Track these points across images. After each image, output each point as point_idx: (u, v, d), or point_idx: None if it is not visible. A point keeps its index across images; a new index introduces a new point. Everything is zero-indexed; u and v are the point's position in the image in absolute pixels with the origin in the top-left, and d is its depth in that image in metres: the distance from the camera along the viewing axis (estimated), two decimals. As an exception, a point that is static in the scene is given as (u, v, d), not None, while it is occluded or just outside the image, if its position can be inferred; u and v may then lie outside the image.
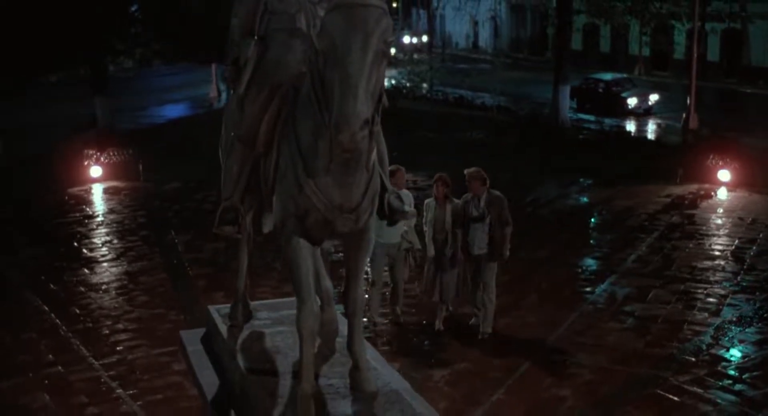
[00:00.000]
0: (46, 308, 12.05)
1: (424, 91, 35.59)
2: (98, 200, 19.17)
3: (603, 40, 49.00)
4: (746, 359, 10.23)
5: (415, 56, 44.87)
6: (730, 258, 14.03)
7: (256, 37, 5.26)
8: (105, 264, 14.33)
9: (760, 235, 15.18)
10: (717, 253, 14.31)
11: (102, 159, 20.51)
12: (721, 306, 11.87)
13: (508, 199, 10.60)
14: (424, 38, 58.17)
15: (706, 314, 11.60)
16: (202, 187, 18.84)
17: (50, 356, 10.49)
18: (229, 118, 5.62)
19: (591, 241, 15.62)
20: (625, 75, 37.08)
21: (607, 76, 34.79)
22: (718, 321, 11.33)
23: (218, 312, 6.37)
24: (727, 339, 10.78)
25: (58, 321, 11.59)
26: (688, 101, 25.82)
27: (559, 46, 30.22)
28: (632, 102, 32.28)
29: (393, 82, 34.27)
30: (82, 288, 13.01)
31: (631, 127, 30.27)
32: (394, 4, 60.37)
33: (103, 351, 10.60)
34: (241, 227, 5.46)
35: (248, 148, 5.20)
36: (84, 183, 20.08)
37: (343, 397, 4.89)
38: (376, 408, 4.79)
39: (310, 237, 4.73)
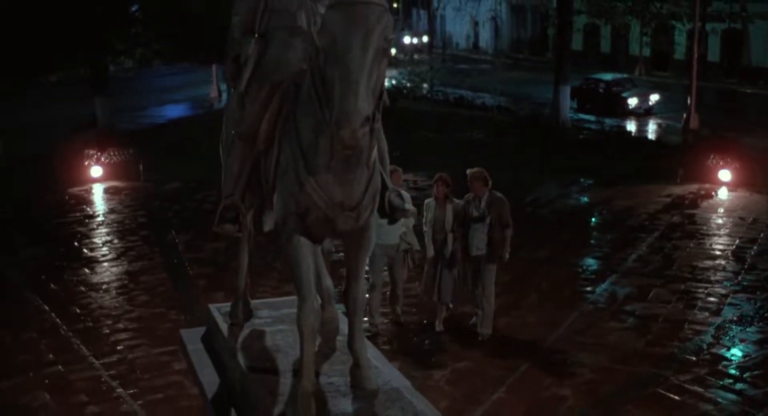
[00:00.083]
0: (47, 307, 12.04)
1: (424, 91, 35.62)
2: (98, 200, 19.17)
3: (603, 41, 49.06)
4: (747, 358, 10.22)
5: (416, 56, 44.99)
6: (730, 257, 14.03)
7: (256, 35, 5.25)
8: (105, 263, 14.33)
9: (761, 235, 15.18)
10: (718, 253, 14.31)
11: (102, 159, 20.52)
12: (721, 306, 11.86)
13: (508, 199, 10.58)
14: (425, 39, 58.28)
15: (707, 313, 11.59)
16: (202, 187, 18.85)
17: (50, 355, 10.48)
18: (229, 116, 5.62)
19: (591, 241, 15.62)
20: (625, 75, 37.10)
21: (608, 76, 34.82)
22: (718, 320, 11.32)
23: (219, 310, 6.36)
24: (727, 338, 10.77)
25: (58, 320, 11.59)
26: (689, 101, 25.83)
27: (559, 47, 30.23)
28: (633, 102, 32.30)
29: (393, 82, 34.29)
30: (83, 288, 13.00)
31: (631, 127, 30.28)
32: (395, 5, 60.31)
33: (104, 350, 10.59)
34: (241, 225, 5.44)
35: (249, 145, 5.19)
36: (84, 183, 20.09)
37: (344, 395, 4.88)
38: (376, 406, 4.78)
39: (310, 235, 4.72)
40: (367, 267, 5.47)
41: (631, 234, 15.51)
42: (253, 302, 6.31)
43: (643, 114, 31.97)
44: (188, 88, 40.25)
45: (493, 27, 61.56)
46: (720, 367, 9.91)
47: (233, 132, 5.40)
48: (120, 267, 14.11)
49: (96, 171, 20.30)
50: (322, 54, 4.25)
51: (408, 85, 35.12)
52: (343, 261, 5.35)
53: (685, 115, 26.22)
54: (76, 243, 15.50)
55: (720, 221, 16.56)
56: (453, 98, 34.87)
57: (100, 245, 15.44)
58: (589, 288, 12.73)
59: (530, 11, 57.50)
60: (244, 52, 5.25)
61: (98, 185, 20.06)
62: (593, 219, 17.26)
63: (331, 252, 8.60)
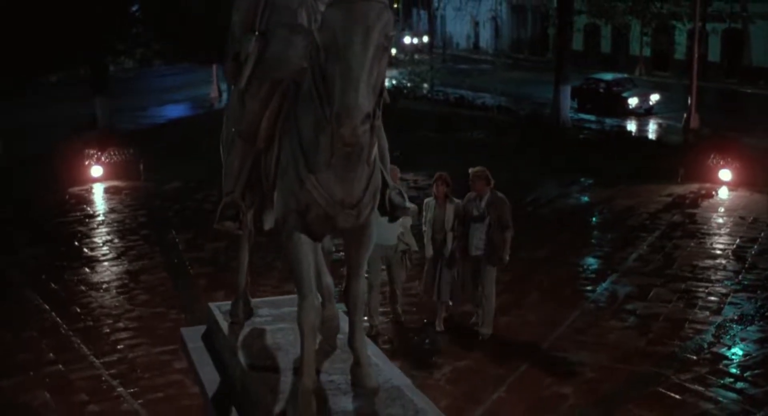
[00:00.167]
0: (47, 307, 12.04)
1: (424, 91, 35.62)
2: (99, 199, 19.17)
3: (604, 41, 49.06)
4: (747, 357, 10.21)
5: (416, 56, 44.98)
6: (731, 257, 14.03)
7: (257, 33, 5.24)
8: (106, 263, 14.33)
9: (761, 234, 15.18)
10: (718, 252, 14.30)
11: (103, 159, 20.52)
12: (722, 305, 11.86)
13: (509, 199, 10.56)
14: (425, 39, 58.25)
15: (708, 312, 11.59)
16: (203, 186, 18.85)
17: (51, 354, 10.48)
18: (230, 114, 5.61)
19: (592, 240, 15.61)
20: (625, 75, 37.10)
21: (608, 76, 34.83)
22: (719, 319, 11.31)
23: (219, 309, 6.35)
24: (728, 337, 10.76)
25: (58, 319, 11.59)
26: (689, 101, 25.85)
27: (560, 47, 30.22)
28: (633, 102, 32.31)
29: (394, 82, 34.29)
30: (83, 287, 13.00)
31: (632, 126, 30.29)
32: (395, 5, 60.32)
33: (104, 349, 10.59)
34: (242, 223, 5.44)
35: (249, 143, 5.18)
36: (85, 182, 20.09)
37: (344, 393, 4.87)
38: (377, 404, 4.77)
39: (311, 233, 4.71)
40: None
41: (632, 234, 15.51)
42: (254, 300, 6.30)
43: (643, 114, 31.98)
44: (188, 88, 40.25)
45: (493, 27, 61.55)
46: (721, 366, 9.91)
47: (233, 129, 5.40)
48: (120, 266, 14.11)
49: (96, 170, 20.30)
50: (322, 51, 4.25)
51: (408, 85, 35.12)
52: (343, 260, 5.35)
53: (685, 115, 26.23)
54: (76, 243, 15.51)
55: (720, 220, 16.56)
56: (453, 98, 34.87)
57: (101, 244, 15.43)
58: (589, 288, 12.73)
59: (531, 11, 57.49)
60: (244, 50, 5.24)
61: (98, 185, 20.06)
62: (594, 219, 17.26)
63: (331, 252, 8.58)
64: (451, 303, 10.97)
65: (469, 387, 9.36)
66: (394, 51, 33.97)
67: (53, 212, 17.85)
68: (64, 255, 14.65)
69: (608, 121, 30.32)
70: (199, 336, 6.50)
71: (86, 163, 20.33)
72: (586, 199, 18.95)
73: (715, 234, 15.52)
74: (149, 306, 12.12)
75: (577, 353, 10.26)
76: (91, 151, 20.53)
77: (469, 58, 55.91)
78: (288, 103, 4.87)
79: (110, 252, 14.91)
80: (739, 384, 9.47)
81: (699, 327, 11.08)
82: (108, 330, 11.27)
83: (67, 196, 19.20)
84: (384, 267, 10.92)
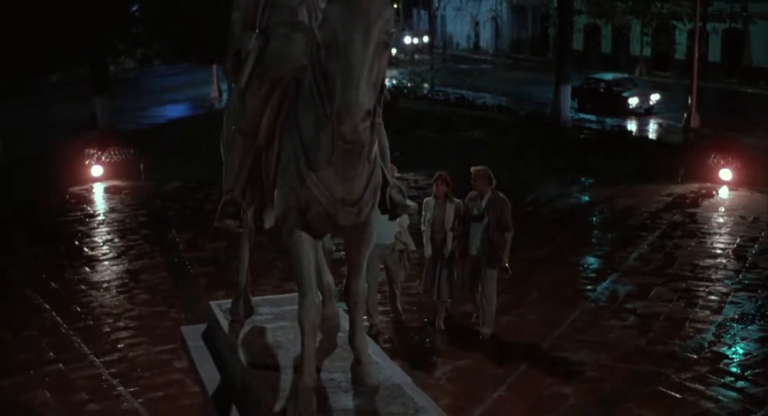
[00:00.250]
0: (47, 306, 12.03)
1: (425, 91, 35.59)
2: (99, 199, 19.17)
3: (604, 40, 49.08)
4: (748, 356, 10.20)
5: (416, 56, 45.00)
6: (731, 256, 14.02)
7: (257, 30, 5.24)
8: (106, 262, 14.32)
9: (762, 234, 15.17)
10: (719, 251, 14.30)
11: (103, 158, 20.52)
12: (722, 304, 11.85)
13: (509, 199, 10.52)
14: (425, 39, 58.30)
15: (708, 312, 11.58)
16: (203, 186, 18.85)
17: (51, 354, 10.47)
18: (230, 112, 5.61)
19: (592, 240, 15.60)
20: (626, 75, 37.12)
21: (608, 76, 34.85)
22: (719, 318, 11.30)
23: (219, 307, 6.36)
24: (729, 336, 10.75)
25: (59, 319, 11.58)
26: (690, 101, 25.84)
27: (560, 47, 30.20)
28: (633, 102, 32.32)
29: (394, 82, 34.28)
30: (83, 287, 13.00)
31: (632, 126, 30.28)
32: (395, 5, 60.35)
33: (104, 348, 10.58)
34: (242, 221, 5.44)
35: (250, 140, 5.19)
36: (85, 182, 20.09)
37: (345, 391, 4.87)
38: (377, 402, 4.77)
39: (311, 231, 4.71)
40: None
41: (632, 233, 15.51)
42: (254, 299, 6.30)
43: (643, 114, 31.99)
44: (188, 88, 40.26)
45: (493, 27, 61.59)
46: (721, 365, 9.89)
47: (234, 127, 5.40)
48: (120, 265, 14.11)
49: (96, 170, 20.31)
50: (323, 48, 4.24)
51: (409, 84, 35.09)
52: (343, 259, 5.34)
53: (685, 115, 26.23)
54: (76, 242, 15.50)
55: (721, 220, 16.55)
56: (454, 98, 34.85)
57: (101, 244, 15.43)
58: (590, 287, 12.72)
59: (531, 11, 57.51)
60: (244, 48, 5.24)
61: (99, 184, 20.06)
62: (594, 218, 17.26)
63: (331, 251, 8.58)
64: (450, 302, 10.95)
65: (470, 386, 9.36)
66: (394, 51, 33.98)
67: (53, 212, 17.85)
68: (65, 255, 14.64)
69: (608, 120, 30.31)
70: (200, 334, 6.51)
71: (86, 162, 20.34)
72: (586, 198, 18.94)
73: (716, 234, 15.51)
74: (149, 306, 12.11)
75: (577, 352, 10.25)
76: (92, 151, 20.53)
77: (470, 58, 55.92)
78: (288, 101, 4.87)
79: (110, 252, 14.91)
80: (740, 383, 9.46)
81: (699, 326, 11.07)
82: (108, 330, 11.27)
83: (67, 196, 19.20)
84: (382, 266, 10.92)
